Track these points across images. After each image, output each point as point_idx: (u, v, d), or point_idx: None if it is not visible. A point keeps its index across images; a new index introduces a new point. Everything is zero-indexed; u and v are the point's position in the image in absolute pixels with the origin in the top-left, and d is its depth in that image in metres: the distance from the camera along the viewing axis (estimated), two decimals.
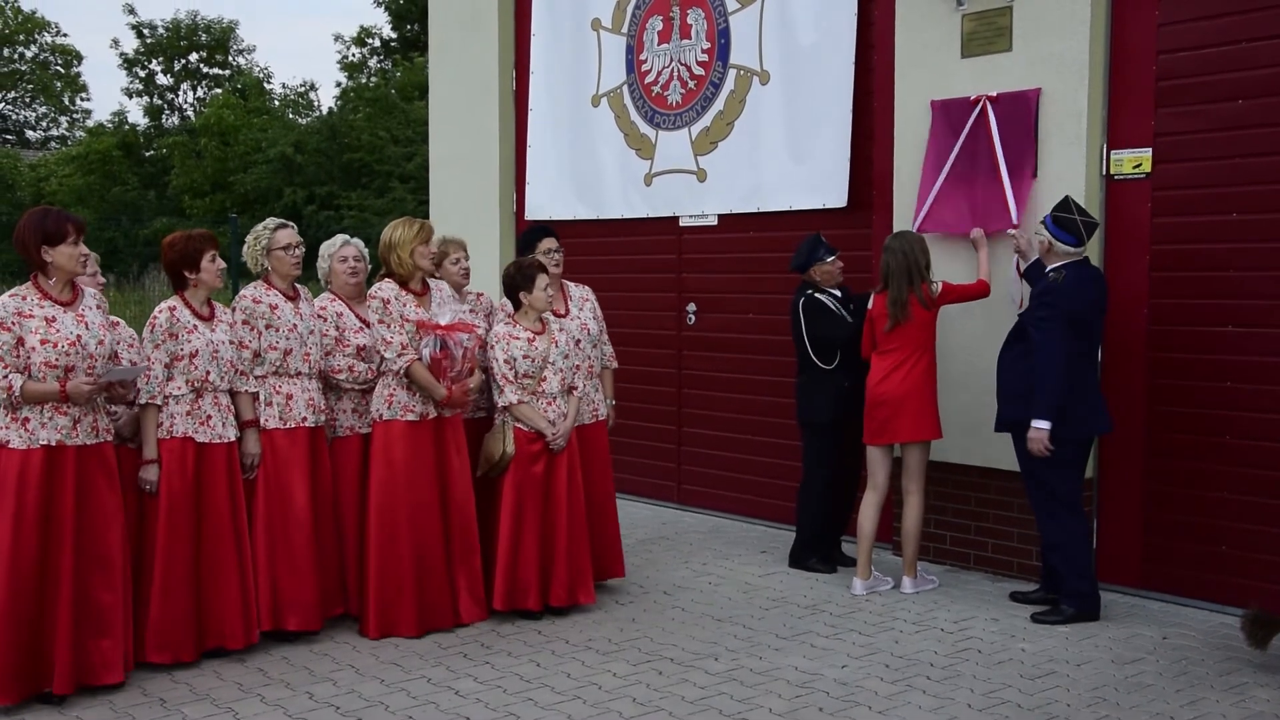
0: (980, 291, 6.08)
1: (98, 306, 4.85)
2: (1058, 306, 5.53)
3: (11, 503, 4.54)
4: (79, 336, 4.67)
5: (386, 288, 5.59)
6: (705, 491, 8.17)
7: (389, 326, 5.53)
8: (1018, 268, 6.05)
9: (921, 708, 4.62)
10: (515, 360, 5.70)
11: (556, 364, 5.80)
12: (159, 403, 5.03)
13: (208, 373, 5.10)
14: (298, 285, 5.58)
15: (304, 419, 5.42)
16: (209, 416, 5.12)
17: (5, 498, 4.55)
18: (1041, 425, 5.51)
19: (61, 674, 4.63)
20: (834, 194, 7.14)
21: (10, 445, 4.58)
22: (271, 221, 5.56)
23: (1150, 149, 5.95)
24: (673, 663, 5.16)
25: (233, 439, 5.20)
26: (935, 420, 6.10)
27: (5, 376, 4.54)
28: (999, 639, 5.44)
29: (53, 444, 4.62)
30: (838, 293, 6.50)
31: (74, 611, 4.65)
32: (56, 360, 4.61)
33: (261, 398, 5.36)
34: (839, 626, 5.63)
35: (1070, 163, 6.05)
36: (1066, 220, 5.58)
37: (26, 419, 4.60)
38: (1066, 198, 5.68)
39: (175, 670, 5.03)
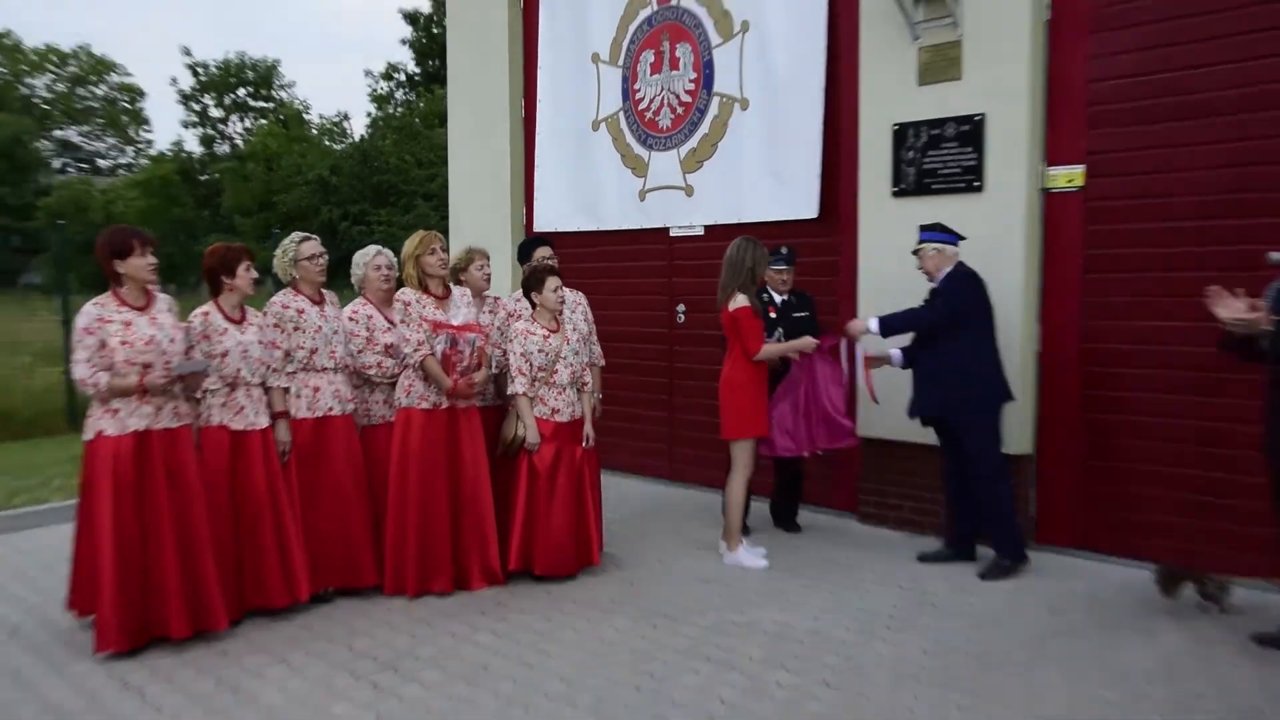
0: (750, 353, 5.92)
1: (169, 309, 4.96)
2: (950, 304, 5.67)
3: (110, 481, 4.68)
4: (153, 336, 4.77)
5: (408, 292, 5.67)
6: (694, 469, 8.26)
7: (409, 325, 5.62)
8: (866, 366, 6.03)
9: (881, 654, 4.72)
10: (531, 354, 5.77)
11: (567, 359, 5.88)
12: (198, 396, 5.09)
13: (239, 370, 5.15)
14: (324, 290, 5.65)
15: (330, 409, 5.49)
16: (242, 407, 5.16)
17: (104, 476, 4.68)
18: (873, 328, 5.71)
19: (178, 620, 4.77)
20: (806, 207, 7.23)
21: (106, 433, 4.72)
22: (297, 235, 5.62)
23: (1083, 165, 6.05)
24: (666, 617, 5.24)
25: (265, 425, 5.24)
26: (745, 420, 5.95)
27: (93, 375, 4.67)
28: (951, 594, 5.53)
29: (141, 429, 4.74)
30: (780, 297, 6.63)
31: (181, 568, 4.78)
32: (134, 358, 4.72)
33: (292, 391, 5.43)
34: (812, 586, 5.73)
35: (1012, 178, 6.14)
36: (939, 225, 5.75)
37: (117, 409, 4.73)
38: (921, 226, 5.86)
39: (234, 625, 5.12)
